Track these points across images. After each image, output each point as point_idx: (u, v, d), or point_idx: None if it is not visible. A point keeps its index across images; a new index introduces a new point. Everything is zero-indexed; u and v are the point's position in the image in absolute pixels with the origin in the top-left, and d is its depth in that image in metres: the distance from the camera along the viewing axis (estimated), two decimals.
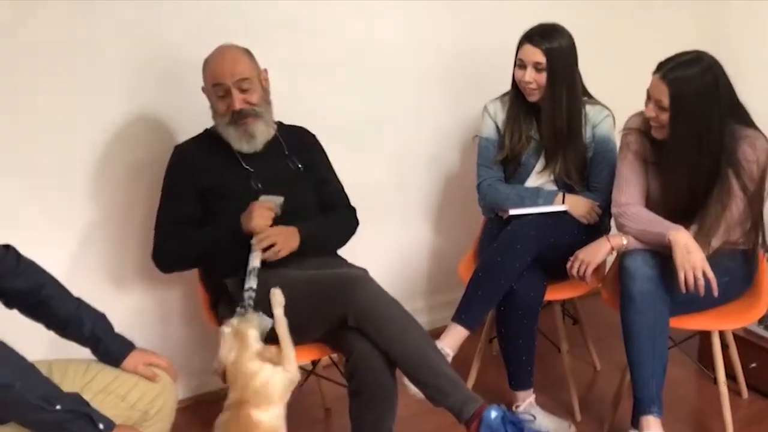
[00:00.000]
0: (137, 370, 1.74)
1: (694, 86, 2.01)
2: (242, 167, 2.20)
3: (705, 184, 2.09)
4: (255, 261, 2.01)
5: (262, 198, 2.12)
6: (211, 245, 2.13)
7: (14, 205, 2.25)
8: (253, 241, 2.04)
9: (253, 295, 1.94)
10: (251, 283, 1.96)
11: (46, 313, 1.73)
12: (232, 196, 2.16)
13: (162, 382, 1.77)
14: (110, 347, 1.75)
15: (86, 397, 1.56)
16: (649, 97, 2.09)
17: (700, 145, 2.05)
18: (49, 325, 1.75)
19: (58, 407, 1.46)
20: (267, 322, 1.89)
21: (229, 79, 2.10)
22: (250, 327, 1.83)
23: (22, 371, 1.47)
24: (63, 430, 1.48)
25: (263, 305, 1.93)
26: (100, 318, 1.78)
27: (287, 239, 2.08)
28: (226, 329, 1.83)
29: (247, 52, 2.18)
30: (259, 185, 2.19)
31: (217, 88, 2.12)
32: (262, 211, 2.06)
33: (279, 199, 2.12)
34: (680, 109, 2.02)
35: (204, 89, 2.20)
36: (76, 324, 1.73)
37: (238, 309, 1.90)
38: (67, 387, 1.60)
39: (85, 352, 1.77)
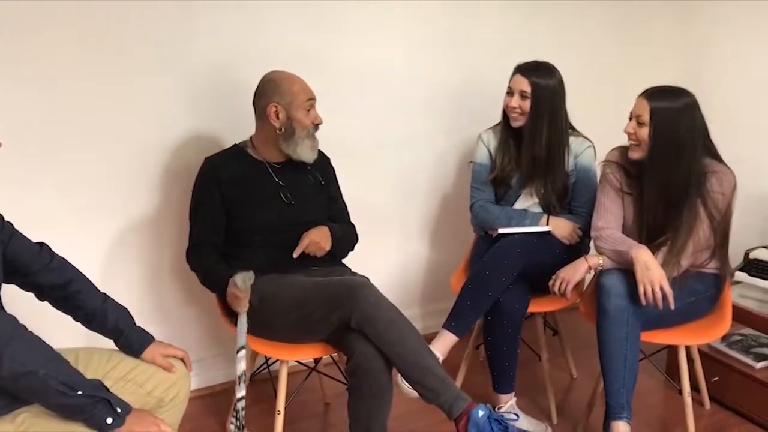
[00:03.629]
0: (155, 361, 1.73)
1: (674, 108, 2.07)
2: (274, 180, 2.21)
3: (675, 206, 2.11)
4: (241, 365, 1.92)
5: (234, 282, 1.99)
6: (221, 286, 2.07)
7: (52, 205, 2.24)
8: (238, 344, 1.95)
9: (245, 404, 1.92)
10: (242, 391, 1.92)
11: (74, 306, 1.72)
12: (264, 208, 2.18)
13: (178, 372, 1.75)
14: (131, 339, 1.74)
15: (107, 383, 1.55)
16: (630, 117, 2.15)
17: (675, 164, 2.09)
18: (76, 317, 1.74)
19: (79, 392, 1.45)
20: None
21: (314, 97, 2.19)
22: None
23: (48, 359, 1.46)
24: (84, 413, 1.47)
25: (275, 305, 1.98)
26: (123, 312, 1.77)
27: (326, 242, 2.18)
28: None
29: None
30: (290, 196, 2.21)
31: (308, 102, 2.16)
32: (239, 301, 1.99)
33: (246, 285, 1.97)
34: (659, 127, 2.07)
35: (275, 109, 2.14)
36: (101, 317, 1.72)
37: (232, 424, 1.88)
38: (91, 373, 1.61)
39: (110, 343, 1.77)
